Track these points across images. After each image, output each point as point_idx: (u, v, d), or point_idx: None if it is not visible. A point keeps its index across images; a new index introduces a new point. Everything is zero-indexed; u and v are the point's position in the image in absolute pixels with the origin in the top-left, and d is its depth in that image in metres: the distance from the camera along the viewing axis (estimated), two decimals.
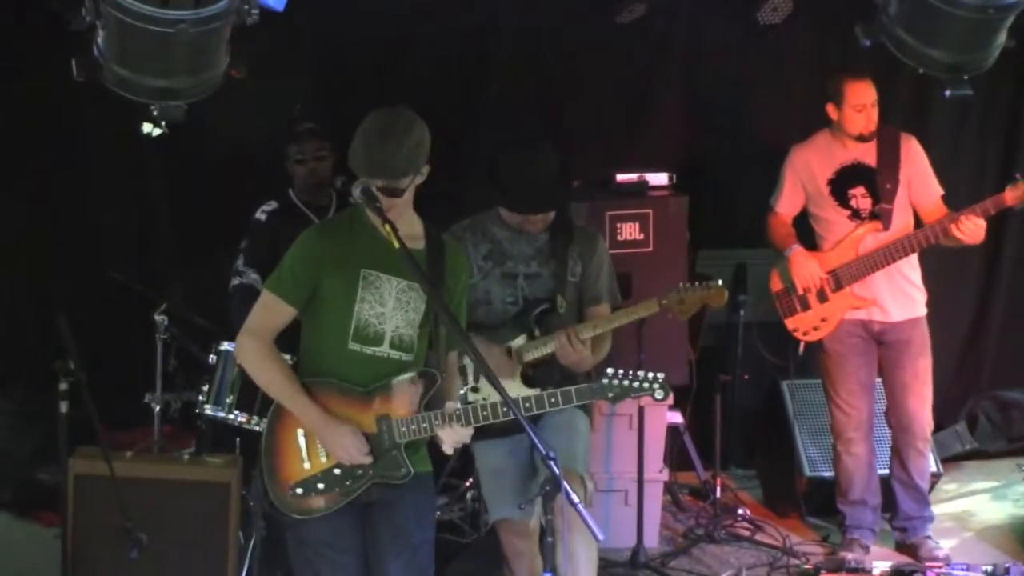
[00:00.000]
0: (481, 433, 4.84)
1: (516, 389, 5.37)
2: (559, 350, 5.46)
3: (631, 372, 4.61)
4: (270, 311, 4.58)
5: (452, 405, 4.53)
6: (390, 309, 4.54)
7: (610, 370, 4.59)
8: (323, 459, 4.54)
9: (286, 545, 4.75)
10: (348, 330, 4.52)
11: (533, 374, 5.55)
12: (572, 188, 6.44)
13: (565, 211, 5.82)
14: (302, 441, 4.56)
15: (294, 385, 4.54)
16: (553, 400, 4.58)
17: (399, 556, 4.56)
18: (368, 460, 4.49)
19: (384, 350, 4.55)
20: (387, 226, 4.39)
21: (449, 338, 4.63)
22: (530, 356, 5.54)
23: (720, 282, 5.72)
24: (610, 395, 4.57)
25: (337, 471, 4.53)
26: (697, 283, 5.70)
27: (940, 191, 6.81)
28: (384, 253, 4.51)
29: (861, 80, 6.64)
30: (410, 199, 4.56)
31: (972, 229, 6.51)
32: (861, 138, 6.70)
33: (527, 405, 4.54)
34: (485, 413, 4.50)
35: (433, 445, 4.67)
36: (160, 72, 4.35)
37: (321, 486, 4.53)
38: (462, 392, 5.31)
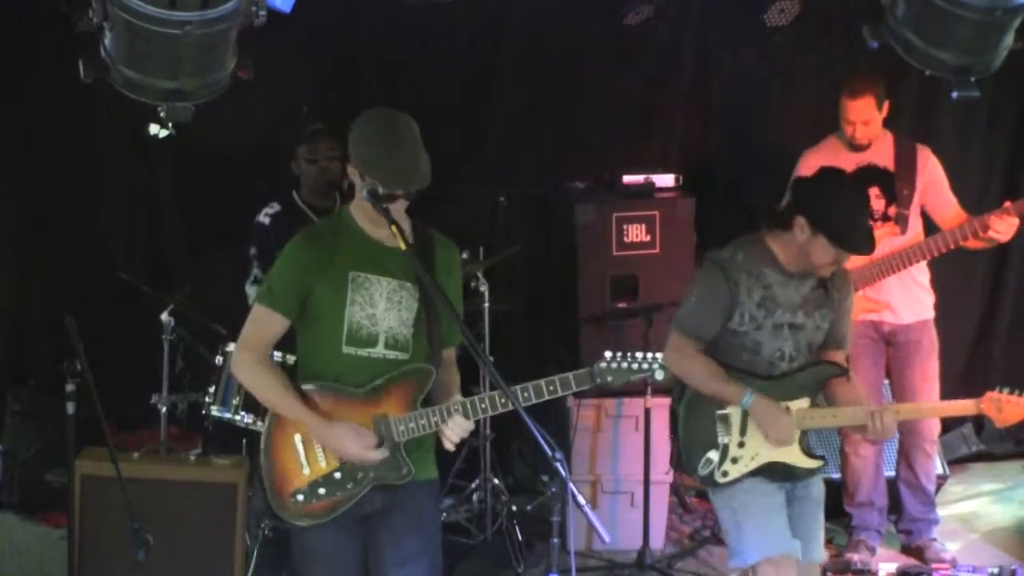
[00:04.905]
0: (754, 472, 5.00)
1: (795, 456, 5.18)
2: (871, 426, 5.13)
3: (629, 354, 4.54)
4: (263, 324, 4.55)
5: (456, 399, 4.52)
6: (381, 310, 4.50)
7: (608, 353, 4.53)
8: (322, 463, 4.51)
9: (292, 546, 4.75)
10: (341, 334, 4.48)
11: (808, 442, 5.27)
12: None
13: None
14: (300, 447, 4.52)
15: (290, 394, 4.50)
16: (552, 388, 4.44)
17: (401, 567, 4.52)
18: (379, 454, 4.44)
19: (379, 351, 4.50)
20: (394, 227, 4.36)
21: (446, 334, 4.60)
22: (811, 424, 5.26)
23: None
24: (609, 379, 4.52)
25: (338, 475, 4.50)
26: (1019, 392, 5.42)
27: (955, 199, 6.81)
28: (372, 254, 4.51)
29: (855, 99, 6.62)
30: None
31: (1007, 227, 6.51)
32: (852, 147, 6.71)
33: (525, 395, 4.42)
34: (484, 405, 4.46)
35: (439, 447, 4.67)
36: (168, 74, 4.33)
37: (322, 491, 4.50)
38: (726, 441, 5.12)
